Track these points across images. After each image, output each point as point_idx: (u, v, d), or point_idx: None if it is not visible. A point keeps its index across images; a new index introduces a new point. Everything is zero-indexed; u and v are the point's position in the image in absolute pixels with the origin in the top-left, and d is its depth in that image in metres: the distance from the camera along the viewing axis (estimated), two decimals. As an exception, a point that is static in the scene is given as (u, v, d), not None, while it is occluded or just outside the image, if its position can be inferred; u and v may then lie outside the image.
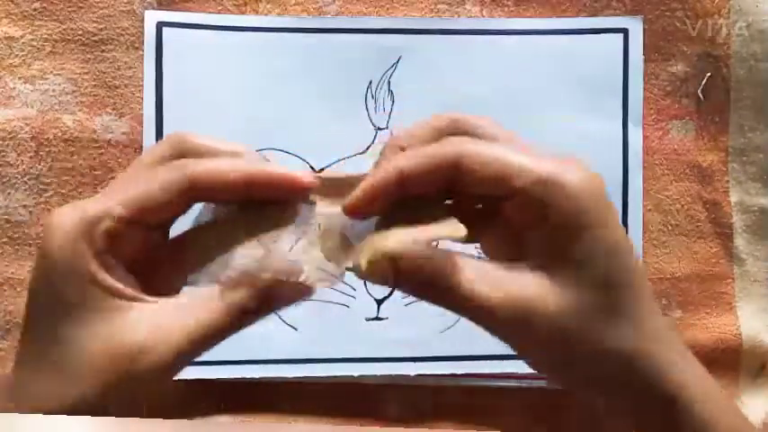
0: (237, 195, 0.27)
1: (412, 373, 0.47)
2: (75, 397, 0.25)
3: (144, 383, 0.25)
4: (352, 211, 0.28)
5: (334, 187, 0.28)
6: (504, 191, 0.26)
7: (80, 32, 0.46)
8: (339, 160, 0.47)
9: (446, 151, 0.27)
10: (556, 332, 0.26)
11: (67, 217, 0.25)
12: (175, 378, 0.46)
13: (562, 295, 0.26)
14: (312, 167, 0.47)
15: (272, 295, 0.26)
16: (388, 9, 0.48)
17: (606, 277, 0.26)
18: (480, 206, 0.30)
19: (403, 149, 0.28)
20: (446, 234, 0.26)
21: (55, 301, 0.25)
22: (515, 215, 0.27)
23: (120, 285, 0.25)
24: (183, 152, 0.28)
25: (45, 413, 0.24)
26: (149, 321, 0.25)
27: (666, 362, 0.27)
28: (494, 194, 0.27)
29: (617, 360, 0.27)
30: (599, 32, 0.48)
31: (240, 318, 0.26)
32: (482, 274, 0.27)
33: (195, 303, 0.26)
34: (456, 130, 0.28)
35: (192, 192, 0.26)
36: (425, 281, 0.26)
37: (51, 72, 0.46)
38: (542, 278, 0.26)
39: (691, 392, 0.27)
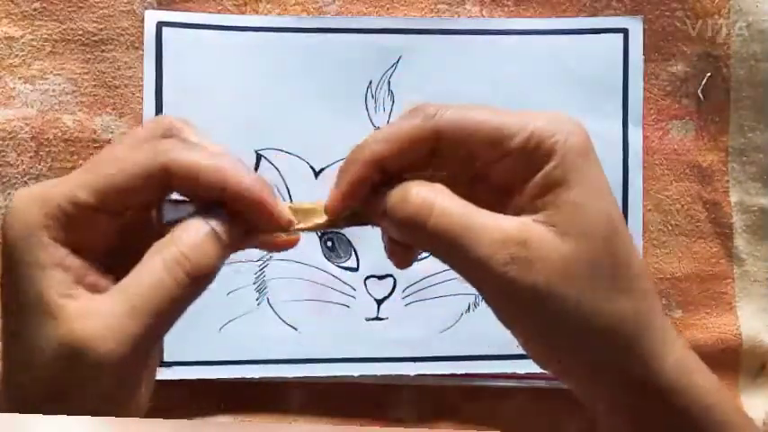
0: (210, 196, 0.25)
1: (412, 373, 0.47)
2: (40, 393, 0.23)
3: (100, 377, 0.23)
4: (333, 210, 0.27)
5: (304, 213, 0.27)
6: (498, 153, 0.25)
7: (80, 32, 0.46)
8: (339, 160, 0.47)
9: (423, 126, 0.26)
10: (558, 278, 0.24)
11: (28, 203, 0.24)
12: (176, 378, 0.46)
13: (563, 241, 0.24)
14: (312, 168, 0.47)
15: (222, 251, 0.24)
16: (388, 9, 0.48)
17: (609, 224, 0.25)
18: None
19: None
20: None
21: (10, 294, 0.24)
22: (503, 175, 0.26)
23: (61, 285, 0.23)
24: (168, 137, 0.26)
25: (23, 408, 0.23)
26: (96, 313, 0.23)
27: (670, 339, 0.26)
28: (482, 159, 0.26)
29: (618, 325, 0.25)
30: (599, 32, 0.48)
31: (192, 285, 0.24)
32: (471, 210, 0.25)
33: (142, 280, 0.23)
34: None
35: (165, 181, 0.24)
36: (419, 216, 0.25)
37: (51, 72, 0.46)
38: (540, 224, 0.25)
39: (695, 380, 0.26)
